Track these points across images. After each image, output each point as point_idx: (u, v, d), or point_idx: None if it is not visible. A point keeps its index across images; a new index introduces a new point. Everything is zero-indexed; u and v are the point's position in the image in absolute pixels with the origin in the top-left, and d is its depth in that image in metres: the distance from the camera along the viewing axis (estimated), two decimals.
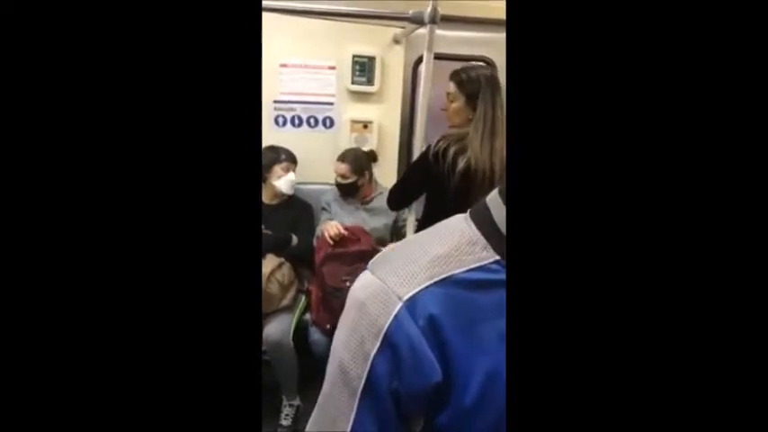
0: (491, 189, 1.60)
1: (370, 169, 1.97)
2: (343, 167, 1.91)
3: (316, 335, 1.81)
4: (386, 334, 0.37)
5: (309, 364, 1.76)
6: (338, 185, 1.94)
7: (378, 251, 1.77)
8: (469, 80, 1.43)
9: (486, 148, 1.38)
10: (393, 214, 1.95)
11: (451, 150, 1.40)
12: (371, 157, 2.03)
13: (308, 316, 1.86)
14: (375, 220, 1.96)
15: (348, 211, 1.97)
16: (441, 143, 1.44)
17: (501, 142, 1.39)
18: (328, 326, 1.78)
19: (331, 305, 1.77)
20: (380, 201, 1.92)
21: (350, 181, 1.91)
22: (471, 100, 1.42)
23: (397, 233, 1.99)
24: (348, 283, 1.71)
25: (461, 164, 1.38)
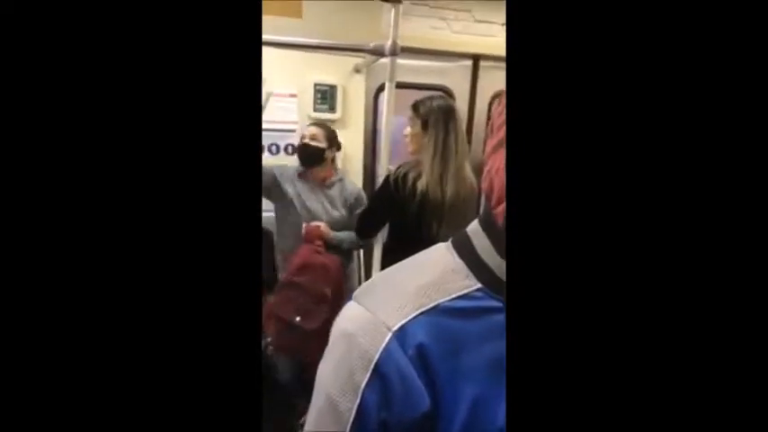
0: (441, 213, 1.70)
1: (335, 149, 1.87)
2: (315, 129, 1.80)
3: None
4: (376, 365, 0.37)
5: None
6: (305, 147, 1.78)
7: (335, 295, 1.75)
8: (424, 108, 1.54)
9: (437, 172, 1.48)
10: (349, 206, 1.86)
11: (410, 176, 1.50)
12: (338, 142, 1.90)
13: None
14: (335, 209, 1.85)
15: (311, 193, 1.82)
16: (400, 169, 1.53)
17: (454, 167, 1.49)
18: (269, 344, 1.72)
19: (284, 338, 1.71)
20: (340, 188, 1.86)
21: (321, 145, 1.78)
22: (425, 127, 1.53)
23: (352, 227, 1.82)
24: (298, 319, 1.66)
25: (419, 189, 1.48)
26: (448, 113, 1.53)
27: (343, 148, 2.17)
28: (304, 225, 1.78)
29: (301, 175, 1.85)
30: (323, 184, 1.86)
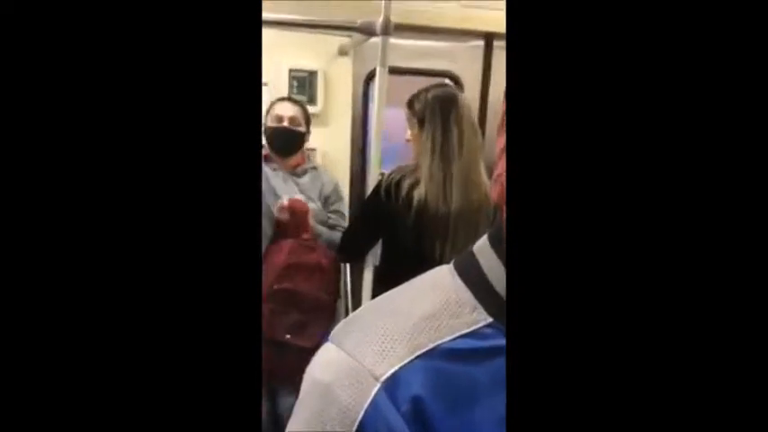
0: (445, 228, 1.65)
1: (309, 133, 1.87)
2: (292, 109, 1.77)
3: None
4: (360, 425, 0.36)
5: None
6: (284, 133, 1.75)
7: (333, 299, 1.75)
8: (419, 103, 1.53)
9: (438, 176, 1.46)
10: (324, 198, 1.85)
11: (405, 183, 1.48)
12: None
13: None
14: (309, 201, 1.81)
15: (281, 181, 1.80)
16: (393, 175, 1.52)
17: (459, 169, 1.47)
18: None
19: (271, 363, 1.62)
20: (313, 177, 1.85)
21: (302, 129, 1.79)
22: (422, 125, 1.52)
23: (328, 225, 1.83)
24: (289, 336, 1.62)
25: (417, 198, 1.46)
26: (447, 103, 1.51)
27: (324, 149, 2.17)
28: (286, 199, 1.70)
29: (267, 159, 1.82)
30: (293, 173, 1.84)
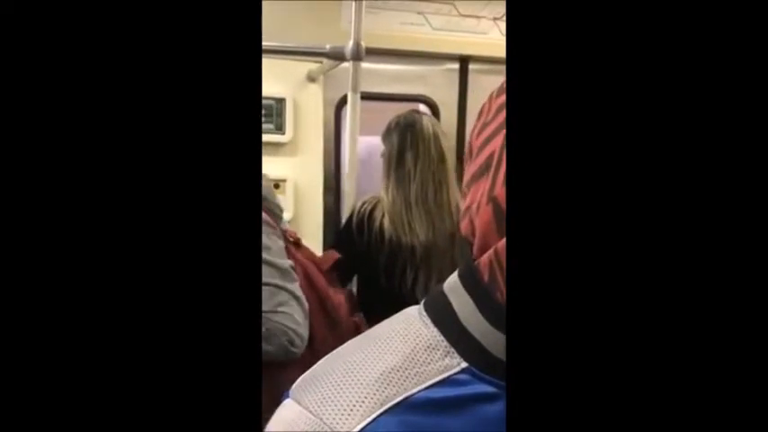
0: (414, 259, 1.56)
1: None
2: None
3: None
4: None
5: None
6: None
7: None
8: (385, 130, 1.57)
9: (398, 202, 1.47)
10: None
11: (377, 214, 1.49)
12: None
13: None
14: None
15: None
16: (364, 206, 1.52)
17: (418, 193, 1.47)
18: None
19: None
20: None
21: None
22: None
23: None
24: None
25: (388, 228, 1.47)
26: (404, 127, 1.53)
27: (295, 180, 2.16)
28: None
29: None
30: None
